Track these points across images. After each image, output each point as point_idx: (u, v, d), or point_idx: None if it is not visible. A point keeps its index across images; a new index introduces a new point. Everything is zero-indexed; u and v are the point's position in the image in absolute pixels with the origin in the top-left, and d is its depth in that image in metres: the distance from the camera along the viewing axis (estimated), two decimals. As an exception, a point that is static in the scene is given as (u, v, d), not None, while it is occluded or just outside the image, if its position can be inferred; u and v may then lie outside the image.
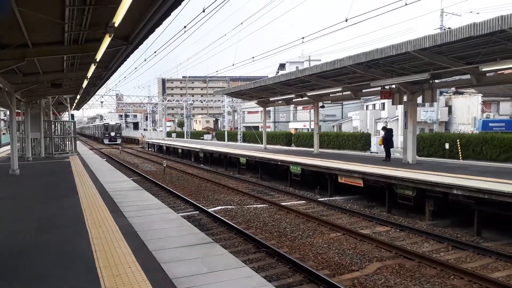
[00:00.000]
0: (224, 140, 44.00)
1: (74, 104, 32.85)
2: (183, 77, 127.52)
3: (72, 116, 31.86)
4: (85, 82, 17.40)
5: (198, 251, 5.84)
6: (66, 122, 28.86)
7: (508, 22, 8.74)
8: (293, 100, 24.55)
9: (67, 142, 27.67)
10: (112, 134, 64.50)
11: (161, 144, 42.62)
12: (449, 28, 26.46)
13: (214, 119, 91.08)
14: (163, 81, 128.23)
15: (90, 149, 39.02)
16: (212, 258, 5.54)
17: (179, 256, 5.64)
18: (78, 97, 26.38)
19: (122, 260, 5.43)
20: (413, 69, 14.06)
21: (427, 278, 7.12)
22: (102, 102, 58.55)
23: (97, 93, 39.51)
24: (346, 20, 12.92)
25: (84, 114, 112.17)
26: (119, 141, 64.26)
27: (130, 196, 10.57)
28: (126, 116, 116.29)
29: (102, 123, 68.84)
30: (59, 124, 27.71)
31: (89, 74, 14.77)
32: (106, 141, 63.02)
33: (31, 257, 5.63)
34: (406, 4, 10.70)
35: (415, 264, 7.74)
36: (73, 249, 6.01)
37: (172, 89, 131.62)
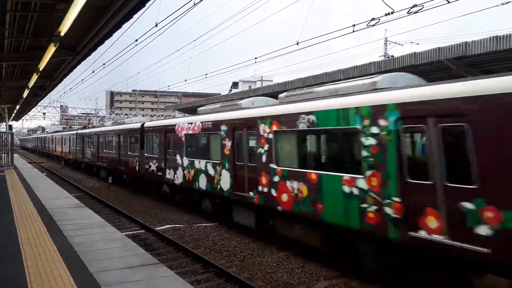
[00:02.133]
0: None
1: (13, 115, 30.84)
2: (133, 90, 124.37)
3: (10, 127, 29.80)
4: (26, 92, 16.43)
5: (143, 272, 5.60)
6: (3, 134, 26.97)
7: (444, 54, 9.44)
8: (245, 118, 24.58)
9: (3, 155, 25.79)
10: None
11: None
12: (392, 56, 28.16)
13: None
14: (112, 94, 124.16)
15: (28, 162, 36.59)
16: (158, 280, 5.33)
17: (122, 278, 5.37)
18: (18, 107, 24.81)
19: (59, 283, 5.06)
20: (360, 93, 14.61)
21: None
22: (44, 113, 55.56)
23: (39, 104, 37.42)
24: (297, 43, 13.32)
25: (24, 125, 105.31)
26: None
27: (71, 214, 9.98)
28: (71, 128, 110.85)
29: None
30: (-6, 136, 25.82)
31: (31, 84, 13.99)
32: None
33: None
34: (353, 31, 11.24)
35: (359, 282, 7.90)
36: (2, 272, 5.52)
37: (121, 102, 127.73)
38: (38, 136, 70.27)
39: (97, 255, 6.39)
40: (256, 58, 17.66)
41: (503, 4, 12.75)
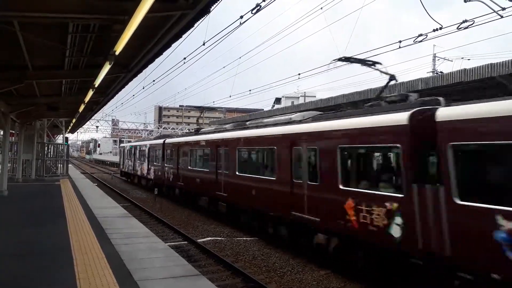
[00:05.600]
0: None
1: (69, 128, 32.86)
2: (180, 105, 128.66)
3: (66, 139, 31.77)
4: (82, 107, 17.51)
5: (184, 283, 5.74)
6: (60, 145, 28.76)
7: (497, 70, 9.05)
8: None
9: (59, 165, 27.47)
10: None
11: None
12: (441, 72, 27.22)
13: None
14: (160, 109, 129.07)
15: (81, 173, 38.65)
16: (199, 291, 5.44)
17: (165, 287, 5.54)
18: (74, 120, 26.43)
19: (106, 289, 5.31)
20: (406, 110, 14.25)
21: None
22: (97, 126, 58.65)
23: (93, 117, 39.57)
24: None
25: (78, 137, 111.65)
26: None
27: (119, 223, 10.44)
28: (121, 141, 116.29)
29: None
30: (52, 147, 27.60)
31: (87, 99, 14.90)
32: None
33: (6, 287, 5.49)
34: (399, 47, 11.07)
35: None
36: (55, 277, 5.88)
37: (168, 117, 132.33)
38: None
39: (142, 264, 6.62)
40: (299, 74, 17.82)
41: None
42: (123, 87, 14.99)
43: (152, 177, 24.23)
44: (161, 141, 22.83)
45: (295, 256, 10.60)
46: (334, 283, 8.73)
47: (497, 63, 9.10)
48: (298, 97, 63.64)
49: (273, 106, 67.37)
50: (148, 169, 25.37)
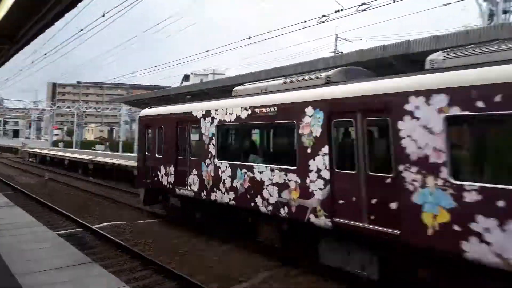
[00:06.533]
0: (118, 151, 41.53)
1: None
2: (77, 82, 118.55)
3: None
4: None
5: (72, 272, 5.24)
6: None
7: (388, 51, 9.75)
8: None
9: None
10: None
11: (44, 154, 38.63)
12: (341, 52, 28.89)
13: (109, 128, 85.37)
14: (54, 86, 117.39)
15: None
16: (89, 279, 5.03)
17: (48, 280, 5.01)
18: None
19: (-29, 288, 4.54)
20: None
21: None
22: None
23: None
24: (249, 38, 13.29)
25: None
26: None
27: (-2, 212, 9.21)
28: (6, 122, 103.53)
29: None
30: None
31: (-44, 70, 12.70)
32: None
33: None
34: (304, 28, 11.34)
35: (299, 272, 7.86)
36: None
37: (64, 94, 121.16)
38: None
39: (23, 256, 5.92)
40: (207, 50, 17.36)
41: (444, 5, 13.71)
42: (7, 60, 13.12)
43: None
44: None
45: (197, 234, 10.47)
46: (236, 256, 8.80)
47: (389, 44, 9.85)
48: (207, 74, 63.03)
49: (182, 82, 65.73)
50: None
